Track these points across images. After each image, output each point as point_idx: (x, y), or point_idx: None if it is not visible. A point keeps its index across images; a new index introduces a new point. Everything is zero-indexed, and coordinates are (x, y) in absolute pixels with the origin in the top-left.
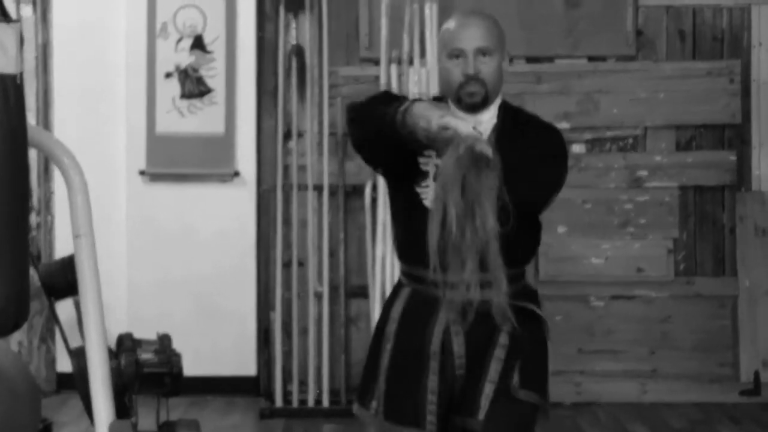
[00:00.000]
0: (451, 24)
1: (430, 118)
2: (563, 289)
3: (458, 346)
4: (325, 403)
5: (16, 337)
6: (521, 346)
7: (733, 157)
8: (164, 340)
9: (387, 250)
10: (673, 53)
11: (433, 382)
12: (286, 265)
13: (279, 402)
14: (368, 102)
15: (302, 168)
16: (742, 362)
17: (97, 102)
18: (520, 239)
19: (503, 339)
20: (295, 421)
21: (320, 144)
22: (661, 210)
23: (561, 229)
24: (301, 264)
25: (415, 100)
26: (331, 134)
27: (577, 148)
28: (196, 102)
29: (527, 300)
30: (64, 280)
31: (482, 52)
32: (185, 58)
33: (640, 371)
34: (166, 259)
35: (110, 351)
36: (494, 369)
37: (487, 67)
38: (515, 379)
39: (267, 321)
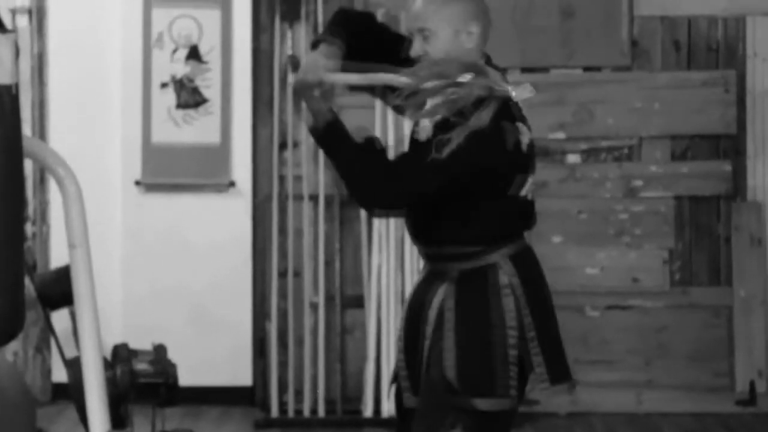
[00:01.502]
0: None
1: (315, 70)
2: (558, 299)
3: (403, 319)
4: (321, 413)
5: (12, 347)
6: (448, 328)
7: (728, 168)
8: (160, 351)
9: (383, 259)
10: (668, 63)
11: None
12: (282, 275)
13: (275, 412)
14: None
15: (298, 178)
16: (738, 372)
17: (93, 112)
18: (444, 214)
19: (432, 314)
20: (290, 431)
21: (316, 154)
22: (657, 220)
23: (556, 239)
24: (297, 274)
25: (325, 39)
26: None
27: (572, 158)
28: (191, 112)
29: (474, 283)
30: (59, 290)
31: (423, 33)
32: (181, 68)
33: (636, 381)
34: (161, 269)
35: (106, 361)
36: (425, 347)
37: (431, 48)
38: (450, 379)
39: (263, 331)
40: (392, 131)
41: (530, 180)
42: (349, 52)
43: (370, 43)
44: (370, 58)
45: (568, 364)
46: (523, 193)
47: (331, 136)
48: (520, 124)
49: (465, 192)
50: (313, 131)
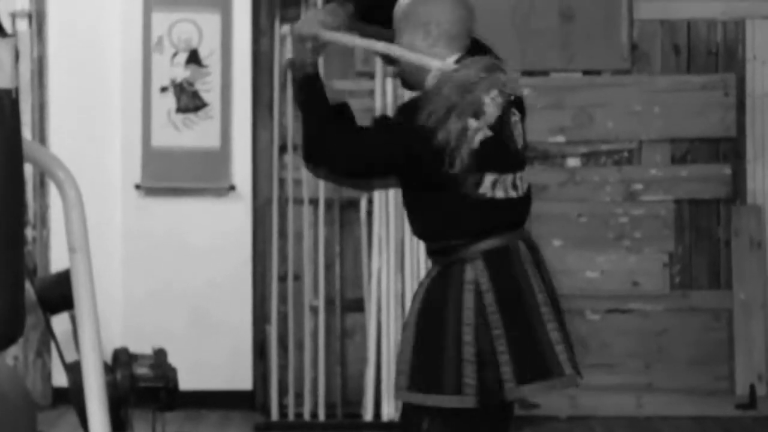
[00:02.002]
0: None
1: (314, 24)
2: None
3: None
4: (321, 416)
5: (12, 351)
6: (410, 322)
7: (728, 171)
8: (160, 355)
9: (383, 263)
10: (668, 67)
11: None
12: (282, 278)
13: (275, 416)
14: None
15: (298, 181)
16: (738, 376)
17: (93, 116)
18: (412, 207)
19: (410, 322)
20: None
21: None
22: (657, 223)
23: (556, 243)
24: (297, 277)
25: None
26: None
27: (572, 162)
28: (191, 116)
29: (442, 279)
30: (59, 294)
31: (395, 34)
32: (181, 72)
33: (636, 384)
34: (161, 272)
35: (106, 365)
36: None
37: (399, 49)
38: (403, 374)
39: (263, 334)
40: None
41: (492, 178)
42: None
43: (380, 23)
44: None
45: (557, 364)
46: (482, 191)
47: (306, 88)
48: (472, 120)
49: (408, 180)
50: (293, 81)
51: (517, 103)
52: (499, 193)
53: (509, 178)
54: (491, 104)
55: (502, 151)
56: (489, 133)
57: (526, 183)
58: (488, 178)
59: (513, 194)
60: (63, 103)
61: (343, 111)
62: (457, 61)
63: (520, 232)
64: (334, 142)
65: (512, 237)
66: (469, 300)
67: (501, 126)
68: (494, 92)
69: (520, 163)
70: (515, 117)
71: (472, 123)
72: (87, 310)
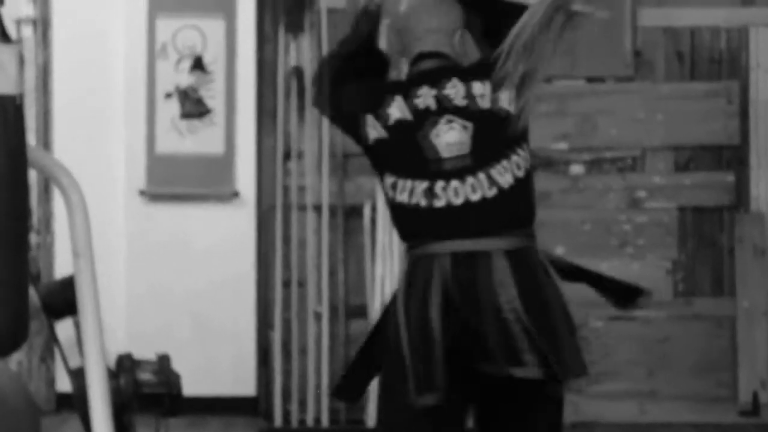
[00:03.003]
0: None
1: None
2: None
3: None
4: (325, 422)
5: (16, 357)
6: None
7: (731, 178)
8: (163, 361)
9: (386, 269)
10: (671, 74)
11: None
12: (286, 284)
13: (278, 422)
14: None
15: (302, 188)
16: (741, 383)
17: (97, 122)
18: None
19: None
20: None
21: (320, 164)
22: (660, 231)
23: (560, 250)
24: (301, 284)
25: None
26: (331, 154)
27: (576, 169)
28: (195, 122)
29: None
30: (63, 299)
31: None
32: (185, 79)
33: (639, 392)
34: (165, 278)
35: (110, 371)
36: None
37: None
38: None
39: (266, 340)
40: None
41: (391, 180)
42: None
43: None
44: None
45: (431, 380)
46: (385, 190)
47: (357, 19)
48: (371, 117)
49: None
50: None
51: (470, 112)
52: (401, 197)
53: (422, 185)
54: (396, 106)
55: (405, 156)
56: (383, 133)
57: (477, 193)
58: (388, 180)
59: (424, 203)
60: (67, 109)
61: (377, 61)
62: (413, 62)
63: (459, 243)
64: (340, 78)
65: (443, 246)
66: (388, 306)
67: (406, 130)
68: (414, 96)
69: (446, 172)
70: (447, 125)
71: (369, 120)
72: (91, 315)
